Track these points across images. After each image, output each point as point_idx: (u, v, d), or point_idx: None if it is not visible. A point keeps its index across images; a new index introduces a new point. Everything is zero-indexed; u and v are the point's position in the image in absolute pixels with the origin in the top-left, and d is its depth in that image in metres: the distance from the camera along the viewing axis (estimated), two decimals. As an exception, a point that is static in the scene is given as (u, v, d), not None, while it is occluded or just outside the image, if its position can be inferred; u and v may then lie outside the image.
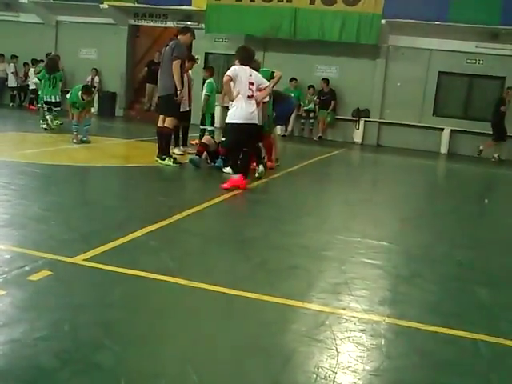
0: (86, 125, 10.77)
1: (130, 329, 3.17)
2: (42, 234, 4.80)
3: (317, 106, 16.79)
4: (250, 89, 7.32)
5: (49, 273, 3.78)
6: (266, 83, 7.66)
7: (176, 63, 8.43)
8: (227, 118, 7.52)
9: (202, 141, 9.14)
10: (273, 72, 9.18)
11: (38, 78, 12.73)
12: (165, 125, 8.75)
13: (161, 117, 8.86)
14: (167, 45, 8.80)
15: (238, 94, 7.25)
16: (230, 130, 7.47)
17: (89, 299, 3.48)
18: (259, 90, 7.57)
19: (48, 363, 2.68)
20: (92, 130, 11.15)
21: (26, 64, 18.53)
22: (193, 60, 10.61)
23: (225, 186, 7.25)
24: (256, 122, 7.46)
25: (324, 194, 7.69)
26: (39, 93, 12.90)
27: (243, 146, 7.50)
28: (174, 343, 3.05)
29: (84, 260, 4.09)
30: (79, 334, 3.00)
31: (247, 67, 7.47)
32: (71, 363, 2.70)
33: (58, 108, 12.42)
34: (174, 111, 8.74)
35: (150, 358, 2.82)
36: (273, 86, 8.67)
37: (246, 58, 7.59)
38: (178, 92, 8.56)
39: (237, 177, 7.37)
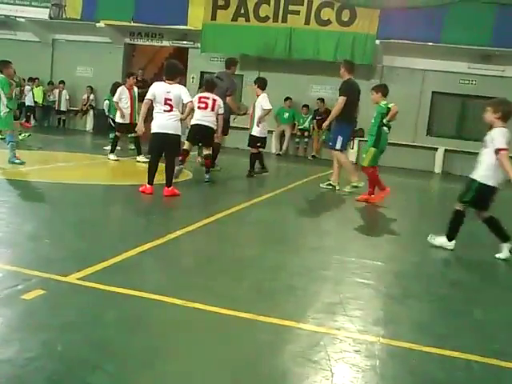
0: (10, 141, 9.39)
1: (125, 349, 3.14)
2: (36, 252, 4.77)
3: (312, 126, 16.84)
4: (167, 104, 7.63)
5: (42, 292, 3.76)
6: (187, 99, 7.71)
7: (231, 98, 10.60)
8: None
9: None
10: (389, 108, 9.33)
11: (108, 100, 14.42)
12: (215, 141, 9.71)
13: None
14: (217, 76, 10.58)
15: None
16: (151, 138, 7.90)
17: (83, 318, 3.45)
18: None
19: (40, 384, 2.65)
20: (88, 148, 11.13)
21: (28, 80, 18.53)
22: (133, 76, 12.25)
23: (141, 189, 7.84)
24: (172, 132, 7.70)
25: (318, 213, 7.70)
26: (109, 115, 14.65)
27: (161, 152, 7.89)
28: (169, 363, 3.03)
29: (78, 279, 4.07)
30: (72, 354, 2.98)
31: (167, 84, 7.71)
32: (64, 384, 2.67)
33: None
34: (227, 131, 10.86)
35: (144, 379, 2.80)
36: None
37: (169, 73, 7.82)
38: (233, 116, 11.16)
39: (148, 186, 7.79)
